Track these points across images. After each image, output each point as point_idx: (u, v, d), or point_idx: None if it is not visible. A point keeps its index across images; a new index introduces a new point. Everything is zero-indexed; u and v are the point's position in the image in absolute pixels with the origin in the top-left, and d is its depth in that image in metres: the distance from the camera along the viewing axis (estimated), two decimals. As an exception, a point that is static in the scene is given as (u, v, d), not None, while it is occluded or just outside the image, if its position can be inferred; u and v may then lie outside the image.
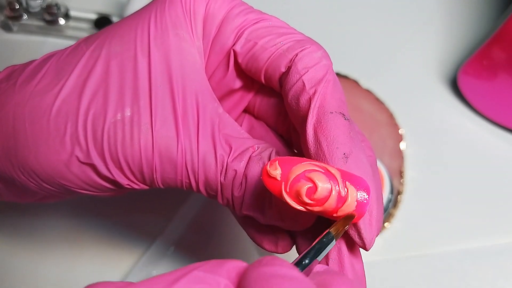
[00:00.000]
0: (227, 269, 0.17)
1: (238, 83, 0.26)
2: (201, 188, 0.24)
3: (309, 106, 0.22)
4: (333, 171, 0.20)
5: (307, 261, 0.19)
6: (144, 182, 0.24)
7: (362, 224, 0.20)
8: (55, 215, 0.40)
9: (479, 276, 0.38)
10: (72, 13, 0.46)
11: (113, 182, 0.24)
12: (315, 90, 0.22)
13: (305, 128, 0.22)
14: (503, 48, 0.39)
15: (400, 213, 0.40)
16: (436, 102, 0.45)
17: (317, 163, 0.20)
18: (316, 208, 0.20)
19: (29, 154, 0.24)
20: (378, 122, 0.43)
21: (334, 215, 0.20)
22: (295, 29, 0.24)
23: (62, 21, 0.46)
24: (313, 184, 0.19)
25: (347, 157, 0.21)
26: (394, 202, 0.40)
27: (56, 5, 0.45)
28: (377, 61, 0.47)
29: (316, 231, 0.23)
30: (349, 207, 0.19)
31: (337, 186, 0.19)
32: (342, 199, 0.19)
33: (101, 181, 0.24)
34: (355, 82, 0.45)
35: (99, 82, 0.23)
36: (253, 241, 0.26)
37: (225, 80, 0.26)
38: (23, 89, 0.24)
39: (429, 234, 0.40)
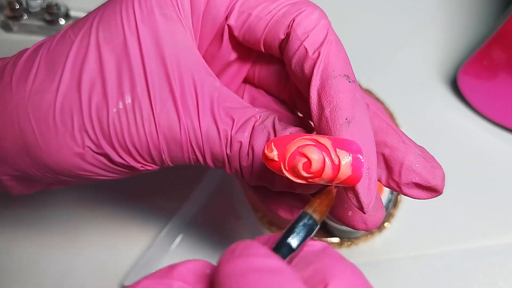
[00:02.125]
0: (179, 271, 0.17)
1: (234, 55, 0.26)
2: (209, 161, 0.24)
3: (313, 69, 0.22)
4: (323, 141, 0.20)
5: (290, 242, 0.19)
6: (154, 163, 0.25)
7: (361, 187, 0.20)
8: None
9: (479, 276, 0.38)
10: (72, 13, 0.46)
11: (128, 167, 0.24)
12: (318, 53, 0.22)
13: (309, 94, 0.22)
14: (503, 48, 0.39)
15: (400, 213, 0.40)
16: (436, 102, 0.45)
17: (308, 136, 0.20)
18: (316, 180, 0.20)
19: (41, 153, 0.24)
20: (378, 122, 0.43)
21: (335, 183, 0.20)
22: None
23: (62, 21, 0.46)
24: (307, 158, 0.19)
25: (349, 122, 0.20)
26: (394, 202, 0.40)
27: (56, 5, 0.45)
28: (377, 61, 0.47)
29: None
30: (344, 173, 0.20)
31: (329, 156, 0.20)
32: (336, 167, 0.19)
33: (116, 166, 0.24)
34: (355, 82, 0.44)
35: (94, 72, 0.23)
36: (268, 209, 0.26)
37: (220, 53, 0.26)
38: (21, 89, 0.24)
39: (429, 234, 0.40)
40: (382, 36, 0.48)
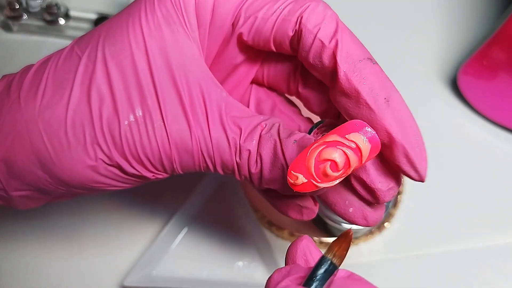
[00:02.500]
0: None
1: (241, 58, 0.27)
2: (219, 169, 0.25)
3: (335, 59, 0.22)
4: (331, 138, 0.21)
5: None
6: (165, 172, 0.25)
7: (415, 157, 0.22)
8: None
9: (479, 276, 0.38)
10: (72, 13, 0.46)
11: (140, 176, 0.25)
12: (335, 42, 0.22)
13: (339, 82, 0.22)
14: (503, 48, 0.39)
15: (400, 213, 0.40)
16: (436, 102, 0.45)
17: (316, 143, 0.21)
18: (349, 170, 0.21)
19: (55, 167, 0.24)
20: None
21: (365, 162, 0.21)
22: None
23: (62, 21, 0.46)
24: (330, 160, 0.20)
25: (388, 101, 0.22)
26: (394, 202, 0.40)
27: (56, 5, 0.45)
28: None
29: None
30: (366, 149, 0.21)
31: (344, 146, 0.21)
32: (357, 150, 0.21)
33: (128, 177, 0.25)
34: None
35: (103, 86, 0.23)
36: (278, 210, 0.27)
37: (228, 58, 0.26)
38: (30, 105, 0.24)
39: (429, 234, 0.40)
40: (382, 36, 0.48)
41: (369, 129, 0.21)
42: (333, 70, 0.23)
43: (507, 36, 0.38)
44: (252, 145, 0.24)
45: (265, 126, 0.24)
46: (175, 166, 0.25)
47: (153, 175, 0.25)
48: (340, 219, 0.36)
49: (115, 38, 0.24)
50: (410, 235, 0.40)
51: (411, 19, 0.49)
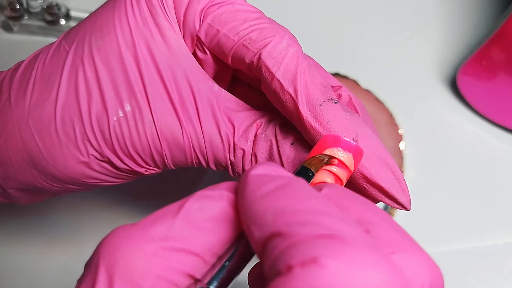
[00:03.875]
0: (225, 185, 0.18)
1: (216, 64, 0.26)
2: (211, 165, 0.25)
3: (296, 105, 0.22)
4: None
5: None
6: (157, 167, 0.25)
7: (396, 193, 0.22)
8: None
9: (478, 275, 0.38)
10: (73, 13, 0.46)
11: (133, 172, 0.25)
12: (293, 87, 0.22)
13: (305, 127, 0.22)
14: (503, 49, 0.39)
15: (400, 213, 0.40)
16: (436, 102, 0.45)
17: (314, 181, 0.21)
18: (344, 183, 0.21)
19: (47, 165, 0.24)
20: (378, 122, 0.43)
21: (355, 168, 0.21)
22: (261, 12, 0.24)
23: (62, 21, 0.46)
24: (324, 183, 0.20)
25: (356, 141, 0.21)
26: (393, 202, 0.40)
27: (57, 5, 0.45)
28: (377, 61, 0.47)
29: None
30: (350, 161, 0.21)
31: (327, 166, 0.20)
32: (341, 164, 0.20)
33: (121, 172, 0.25)
34: (355, 82, 0.45)
35: (90, 81, 0.23)
36: None
37: (204, 61, 0.26)
38: (20, 104, 0.24)
39: (429, 234, 0.40)
40: (382, 36, 0.48)
41: (344, 140, 0.20)
42: (292, 109, 0.22)
43: (507, 36, 0.38)
44: (247, 145, 0.23)
45: (261, 125, 0.24)
46: (166, 162, 0.24)
47: (146, 170, 0.25)
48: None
49: (101, 31, 0.24)
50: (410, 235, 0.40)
51: (411, 19, 0.49)
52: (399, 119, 0.44)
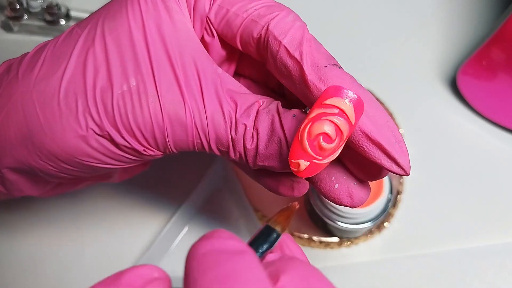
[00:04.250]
0: (127, 277, 0.18)
1: (223, 51, 0.27)
2: (213, 146, 0.25)
3: (301, 67, 0.23)
4: (313, 113, 0.20)
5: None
6: (157, 148, 0.25)
7: (396, 153, 0.21)
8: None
9: (478, 276, 0.38)
10: (73, 13, 0.46)
11: (130, 150, 0.25)
12: (299, 51, 0.23)
13: (309, 87, 0.22)
14: (503, 48, 0.39)
15: (400, 213, 0.40)
16: (436, 102, 0.45)
17: (302, 125, 0.21)
18: (347, 135, 0.20)
19: (45, 138, 0.24)
20: (378, 122, 0.43)
21: (356, 121, 0.21)
22: None
23: (62, 21, 0.46)
24: (321, 134, 0.20)
25: None
26: (393, 202, 0.40)
27: (57, 5, 0.45)
28: (376, 61, 0.47)
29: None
30: (350, 109, 0.20)
31: (329, 115, 0.20)
32: (341, 113, 0.20)
33: (119, 151, 0.25)
34: (355, 82, 0.45)
35: (99, 58, 0.24)
36: (268, 189, 0.27)
37: (212, 48, 0.27)
38: (27, 78, 0.24)
39: (429, 234, 0.40)
40: (382, 36, 0.48)
41: (345, 90, 0.20)
42: (297, 77, 0.23)
43: (507, 36, 0.38)
44: (249, 120, 0.23)
45: (263, 103, 0.24)
46: (167, 141, 0.24)
47: (145, 150, 0.25)
48: (339, 219, 0.36)
49: (114, 15, 0.24)
50: (410, 235, 0.40)
51: (411, 19, 0.49)
52: (398, 119, 0.44)
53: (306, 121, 0.20)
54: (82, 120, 0.24)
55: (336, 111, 0.20)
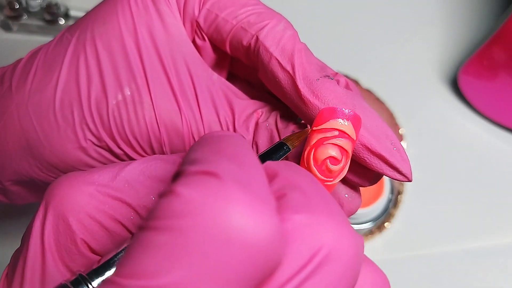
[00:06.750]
0: (183, 153, 0.18)
1: (215, 53, 0.26)
2: None
3: (294, 81, 0.22)
4: (314, 139, 0.21)
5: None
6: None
7: (397, 163, 0.21)
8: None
9: (479, 276, 0.38)
10: (72, 13, 0.46)
11: (128, 159, 0.25)
12: (291, 64, 0.22)
13: (304, 102, 0.22)
14: (503, 48, 0.39)
15: (400, 213, 0.40)
16: (437, 102, 0.45)
17: (305, 153, 0.21)
18: (349, 153, 0.21)
19: (44, 150, 0.24)
20: (378, 122, 0.43)
21: (357, 139, 0.21)
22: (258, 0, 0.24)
23: (62, 20, 0.46)
24: (327, 158, 0.20)
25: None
26: (394, 202, 0.40)
27: (56, 4, 0.45)
28: (377, 61, 0.47)
29: None
30: (351, 129, 0.20)
31: (329, 139, 0.20)
32: (343, 134, 0.20)
33: (117, 160, 0.25)
34: (356, 82, 0.45)
35: (91, 65, 0.23)
36: None
37: (203, 50, 0.26)
38: (21, 90, 0.24)
39: (429, 234, 0.40)
40: (382, 36, 0.48)
41: (339, 110, 0.20)
42: (289, 89, 0.23)
43: (508, 36, 0.38)
44: (248, 134, 0.23)
45: (262, 114, 0.24)
46: (164, 150, 0.24)
47: None
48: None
49: (104, 19, 0.24)
50: (410, 235, 0.40)
51: (412, 19, 0.49)
52: (400, 119, 0.44)
53: (308, 148, 0.21)
54: (79, 131, 0.23)
55: (336, 133, 0.20)
